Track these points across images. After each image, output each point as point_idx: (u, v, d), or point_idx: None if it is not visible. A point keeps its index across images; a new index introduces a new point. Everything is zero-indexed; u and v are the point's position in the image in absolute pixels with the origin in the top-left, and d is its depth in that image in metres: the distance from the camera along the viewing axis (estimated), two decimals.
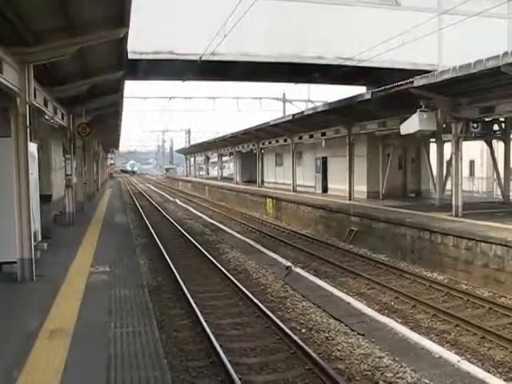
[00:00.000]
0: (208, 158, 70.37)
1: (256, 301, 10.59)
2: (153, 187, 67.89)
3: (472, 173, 31.09)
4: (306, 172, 31.41)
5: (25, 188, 8.95)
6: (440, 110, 16.33)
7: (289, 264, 14.39)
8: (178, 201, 41.48)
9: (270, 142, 35.29)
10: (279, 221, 26.35)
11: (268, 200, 29.20)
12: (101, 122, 23.20)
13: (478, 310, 10.51)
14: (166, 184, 75.72)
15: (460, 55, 15.90)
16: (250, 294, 11.10)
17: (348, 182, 23.37)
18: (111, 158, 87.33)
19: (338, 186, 25.84)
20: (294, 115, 26.33)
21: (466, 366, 7.30)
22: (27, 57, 8.94)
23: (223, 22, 16.67)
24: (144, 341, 6.16)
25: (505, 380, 7.09)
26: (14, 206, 8.91)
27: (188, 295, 11.02)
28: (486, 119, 17.12)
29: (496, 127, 19.45)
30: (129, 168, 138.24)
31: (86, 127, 17.52)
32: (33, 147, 10.24)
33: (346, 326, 9.17)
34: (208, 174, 70.38)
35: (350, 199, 23.09)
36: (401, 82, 15.49)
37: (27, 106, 8.97)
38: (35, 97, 10.28)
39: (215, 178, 57.24)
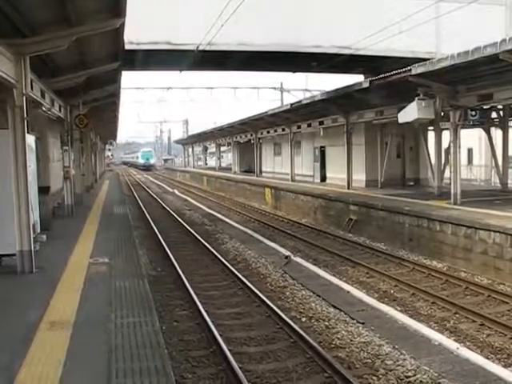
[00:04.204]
0: (206, 149, 70.22)
1: (256, 290, 10.62)
2: (151, 178, 67.75)
3: (470, 161, 31.07)
4: (305, 161, 31.37)
5: (23, 180, 8.93)
6: (438, 97, 16.33)
7: (288, 253, 14.42)
8: (176, 191, 41.44)
9: (268, 132, 35.21)
10: (278, 210, 26.36)
11: (267, 190, 29.18)
12: (98, 113, 23.15)
13: (476, 298, 10.57)
14: (164, 175, 75.59)
15: (458, 42, 15.85)
16: (249, 284, 11.13)
17: (346, 170, 23.37)
18: (109, 150, 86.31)
19: (336, 175, 25.81)
20: (292, 104, 26.25)
21: (465, 352, 7.35)
22: (23, 48, 8.86)
23: (220, 11, 16.57)
24: (144, 331, 6.17)
25: (503, 366, 7.14)
26: (13, 198, 8.88)
27: (188, 285, 11.05)
28: (484, 107, 17.08)
29: (494, 115, 19.45)
30: (141, 160, 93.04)
31: (83, 118, 17.44)
32: (30, 139, 10.19)
33: (346, 314, 9.21)
34: (206, 164, 70.23)
35: (348, 188, 23.09)
36: (399, 70, 15.44)
37: (24, 98, 8.92)
38: (32, 88, 10.22)
39: (213, 169, 57.16)
